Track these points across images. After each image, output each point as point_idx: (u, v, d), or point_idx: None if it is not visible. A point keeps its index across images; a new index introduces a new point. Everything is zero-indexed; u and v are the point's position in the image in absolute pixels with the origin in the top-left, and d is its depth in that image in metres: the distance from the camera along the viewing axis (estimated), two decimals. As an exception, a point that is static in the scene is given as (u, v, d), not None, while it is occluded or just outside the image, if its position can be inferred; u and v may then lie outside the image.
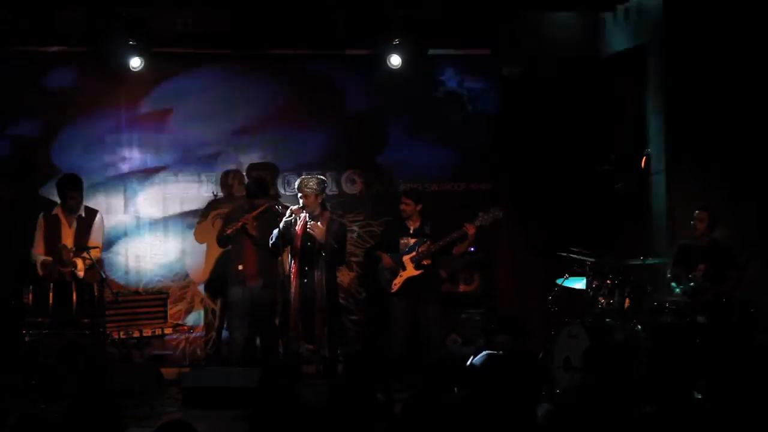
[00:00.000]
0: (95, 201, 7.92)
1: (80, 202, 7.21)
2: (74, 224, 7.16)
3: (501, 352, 5.41)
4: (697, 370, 6.67)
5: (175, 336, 8.08)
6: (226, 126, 8.39)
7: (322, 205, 7.15)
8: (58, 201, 7.31)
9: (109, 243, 8.01)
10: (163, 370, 7.83)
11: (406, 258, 7.29)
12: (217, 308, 8.35)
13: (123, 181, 8.30)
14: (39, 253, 7.09)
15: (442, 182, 8.54)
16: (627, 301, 7.25)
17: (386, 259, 7.33)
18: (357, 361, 7.84)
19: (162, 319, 7.55)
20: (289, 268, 7.10)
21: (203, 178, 8.41)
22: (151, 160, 8.35)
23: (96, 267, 6.94)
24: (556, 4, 8.19)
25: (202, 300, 8.38)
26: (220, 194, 8.38)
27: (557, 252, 7.73)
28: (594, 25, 8.49)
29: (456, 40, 8.29)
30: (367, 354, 8.00)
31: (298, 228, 7.05)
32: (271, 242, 7.13)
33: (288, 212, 7.00)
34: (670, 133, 7.85)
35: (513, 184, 8.49)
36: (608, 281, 7.36)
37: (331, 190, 7.99)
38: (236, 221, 7.39)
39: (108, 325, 7.08)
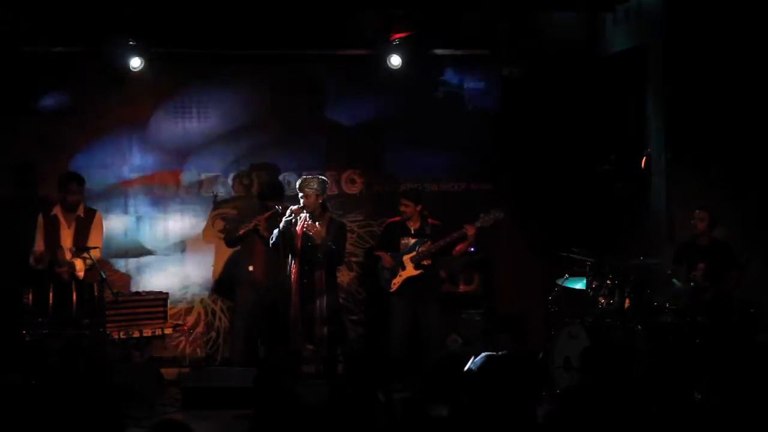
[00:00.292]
0: (96, 201, 7.92)
1: (80, 199, 7.19)
2: (73, 224, 7.15)
3: (501, 352, 5.39)
4: (697, 370, 6.68)
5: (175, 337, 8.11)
6: (226, 126, 8.39)
7: (323, 206, 7.15)
8: (58, 201, 7.28)
9: (108, 243, 8.01)
10: (163, 370, 7.84)
11: (406, 258, 7.29)
12: (217, 308, 8.36)
13: (123, 181, 8.30)
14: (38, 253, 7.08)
15: (442, 182, 8.55)
16: (627, 301, 7.25)
17: (386, 258, 7.33)
18: (357, 361, 7.84)
19: (162, 319, 7.55)
20: (289, 268, 7.10)
21: (203, 177, 8.42)
22: (151, 160, 8.34)
23: (96, 267, 6.94)
24: (556, 4, 8.19)
25: (202, 300, 8.38)
26: (221, 194, 8.38)
27: (557, 252, 7.74)
28: (594, 25, 8.49)
29: (456, 40, 8.29)
30: (367, 354, 8.00)
31: (298, 228, 7.04)
32: (271, 242, 7.13)
33: (288, 212, 7.00)
34: (670, 133, 7.85)
35: (513, 184, 8.49)
36: (608, 281, 7.36)
37: (331, 190, 7.99)
38: (248, 222, 7.42)
39: (108, 325, 7.08)
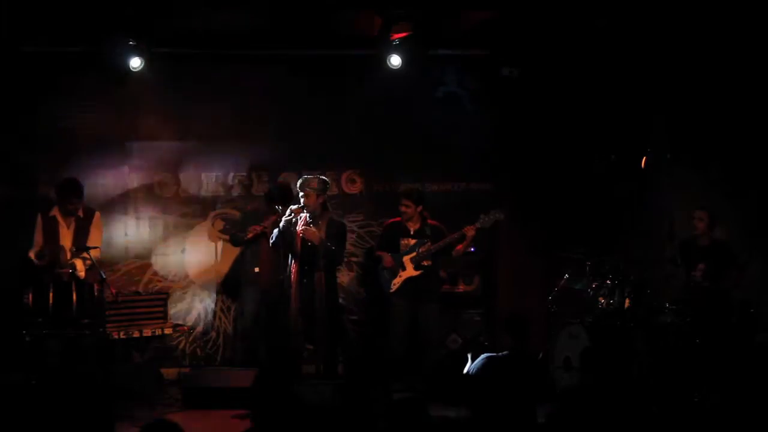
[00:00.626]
0: (95, 200, 7.92)
1: (79, 207, 7.20)
2: (72, 224, 7.14)
3: (502, 353, 5.39)
4: (697, 370, 6.68)
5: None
6: (226, 126, 8.39)
7: (323, 206, 7.15)
8: (57, 204, 7.27)
9: (108, 243, 8.01)
10: (163, 370, 7.84)
11: (406, 258, 7.30)
12: (217, 308, 8.36)
13: (123, 181, 8.31)
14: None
15: (442, 182, 8.54)
16: (627, 301, 7.26)
17: (387, 258, 7.33)
18: (357, 361, 7.85)
19: (162, 319, 7.55)
20: (289, 268, 7.10)
21: (203, 178, 8.42)
22: (151, 160, 8.35)
23: (96, 267, 6.94)
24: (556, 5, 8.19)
25: (201, 300, 8.38)
26: (221, 194, 8.38)
27: (557, 252, 7.74)
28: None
29: (456, 40, 8.29)
30: (367, 354, 8.01)
31: (298, 228, 7.04)
32: (271, 242, 7.13)
33: (288, 211, 7.00)
34: (670, 133, 7.86)
35: (513, 184, 8.49)
36: (608, 281, 7.37)
37: (331, 190, 7.98)
38: (256, 225, 7.43)
39: (108, 325, 7.07)
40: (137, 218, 8.35)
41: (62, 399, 5.46)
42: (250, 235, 7.52)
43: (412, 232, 7.37)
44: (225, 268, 8.31)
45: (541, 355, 7.35)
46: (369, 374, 7.45)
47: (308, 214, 7.02)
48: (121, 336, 7.28)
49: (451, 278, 8.18)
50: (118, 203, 8.30)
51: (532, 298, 8.15)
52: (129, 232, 8.33)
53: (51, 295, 6.66)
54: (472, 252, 7.95)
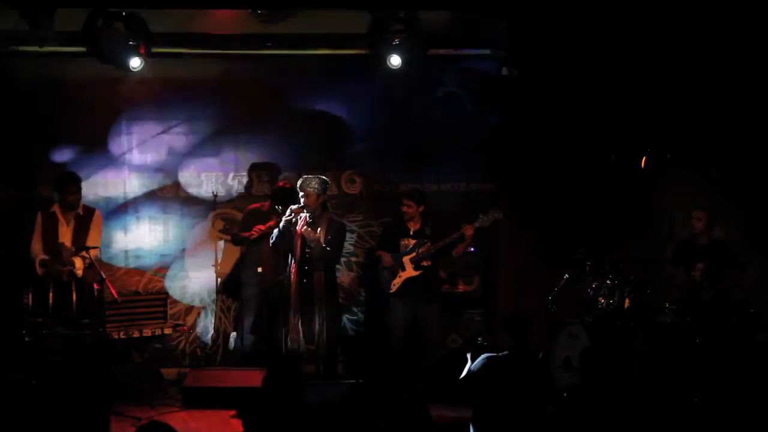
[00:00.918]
0: (95, 201, 7.92)
1: (79, 198, 7.19)
2: (72, 222, 7.14)
3: (502, 353, 5.39)
4: (697, 370, 6.69)
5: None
6: (226, 126, 8.40)
7: (323, 206, 7.15)
8: (57, 201, 7.27)
9: (108, 241, 8.01)
10: (163, 370, 7.84)
11: (405, 258, 7.30)
12: (217, 308, 8.36)
13: (123, 181, 8.31)
14: (37, 251, 7.07)
15: (442, 182, 8.54)
16: (627, 301, 7.26)
17: (386, 258, 7.33)
18: (357, 361, 7.85)
19: (162, 319, 7.55)
20: (289, 268, 7.10)
21: (203, 178, 8.42)
22: (151, 160, 8.35)
23: (95, 267, 6.93)
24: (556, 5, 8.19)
25: (201, 300, 8.38)
26: (221, 194, 8.38)
27: (557, 252, 7.73)
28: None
29: (455, 40, 8.29)
30: (367, 354, 8.00)
31: (298, 228, 7.04)
32: (271, 242, 7.14)
33: (288, 211, 7.00)
34: (670, 133, 7.85)
35: (513, 184, 8.48)
36: (608, 281, 7.37)
37: (331, 190, 7.99)
38: (260, 224, 7.43)
39: (108, 325, 7.07)
40: (137, 218, 8.35)
41: (62, 399, 5.47)
42: (255, 235, 7.51)
43: (411, 233, 7.37)
44: (225, 269, 8.31)
45: (541, 355, 7.35)
46: (368, 375, 7.45)
47: (308, 214, 7.03)
48: (121, 336, 7.28)
49: (451, 278, 8.18)
50: (118, 203, 8.30)
51: (532, 298, 8.14)
52: (129, 232, 8.33)
53: (51, 295, 6.66)
54: (472, 252, 7.95)
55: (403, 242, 7.36)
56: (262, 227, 7.49)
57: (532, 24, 7.91)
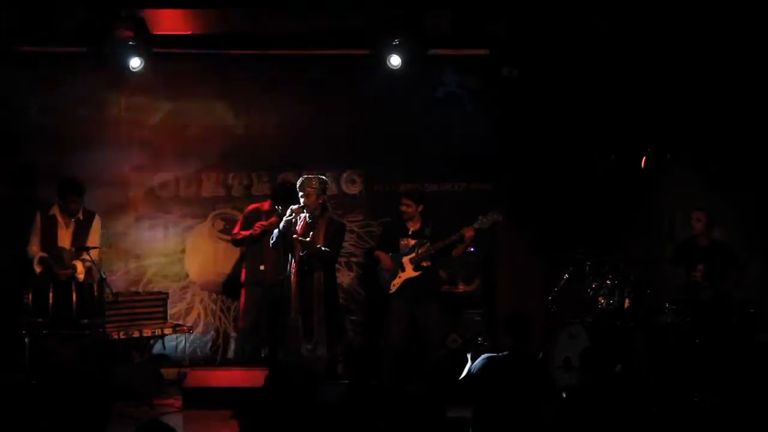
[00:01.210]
0: (95, 200, 7.92)
1: (81, 206, 7.20)
2: (72, 225, 7.13)
3: (502, 354, 5.39)
4: (697, 370, 6.69)
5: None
6: (226, 126, 8.40)
7: (323, 206, 7.15)
8: (57, 204, 7.26)
9: (108, 243, 8.00)
10: (163, 370, 7.84)
11: (405, 259, 7.29)
12: (217, 308, 8.37)
13: (123, 181, 8.31)
14: (35, 252, 7.07)
15: (442, 182, 8.54)
16: (627, 301, 7.26)
17: (386, 259, 7.33)
18: (357, 361, 7.85)
19: (162, 319, 7.55)
20: (289, 267, 7.10)
21: (203, 178, 8.43)
22: (150, 160, 8.35)
23: (96, 267, 6.93)
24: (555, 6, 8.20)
25: (201, 300, 8.38)
26: (221, 194, 8.38)
27: (557, 252, 7.73)
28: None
29: (455, 40, 8.29)
30: (367, 354, 8.01)
31: (298, 228, 7.04)
32: (271, 242, 7.14)
33: (288, 212, 7.00)
34: (670, 133, 7.86)
35: (513, 184, 8.48)
36: (608, 281, 7.37)
37: (331, 190, 7.99)
38: (264, 222, 7.43)
39: (108, 325, 7.07)
40: (137, 218, 8.35)
41: (62, 399, 5.46)
42: (257, 230, 7.51)
43: (410, 233, 7.36)
44: (225, 269, 8.31)
45: (541, 355, 7.35)
46: (369, 375, 7.45)
47: (308, 214, 7.03)
48: (121, 336, 7.28)
49: (451, 278, 8.18)
50: (118, 203, 8.29)
51: (532, 298, 8.14)
52: (129, 232, 8.32)
53: (51, 295, 6.66)
54: (472, 252, 7.95)
55: (402, 242, 7.35)
56: (264, 223, 7.49)
57: (532, 24, 7.91)
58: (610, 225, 8.06)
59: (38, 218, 7.15)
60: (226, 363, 8.18)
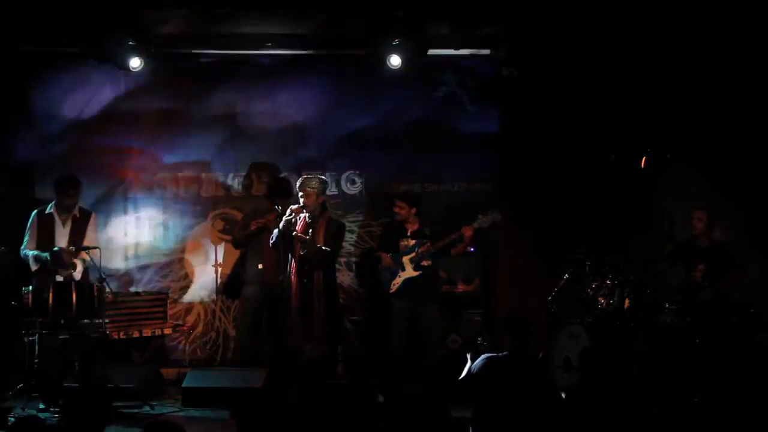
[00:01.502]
0: (95, 200, 7.92)
1: (77, 201, 7.18)
2: (68, 224, 7.12)
3: (502, 354, 5.39)
4: (697, 370, 6.69)
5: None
6: (226, 126, 8.40)
7: (323, 205, 7.15)
8: (53, 200, 7.26)
9: (108, 243, 8.00)
10: (163, 370, 7.84)
11: (405, 259, 7.30)
12: (217, 308, 8.37)
13: (123, 180, 8.31)
14: (30, 249, 7.06)
15: (442, 182, 8.54)
16: (627, 301, 7.26)
17: (386, 259, 7.33)
18: (357, 361, 7.85)
19: (162, 320, 7.54)
20: (289, 267, 7.10)
21: (203, 178, 8.43)
22: (150, 160, 8.35)
23: (96, 267, 6.92)
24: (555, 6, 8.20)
25: (201, 300, 8.38)
26: (221, 194, 8.39)
27: (557, 252, 7.73)
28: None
29: (456, 41, 8.29)
30: (367, 354, 8.00)
31: (298, 228, 7.04)
32: (271, 242, 7.13)
33: (288, 211, 7.00)
34: (670, 133, 7.86)
35: (513, 184, 8.48)
36: (608, 281, 7.37)
37: (331, 190, 7.99)
38: (260, 220, 7.43)
39: (108, 325, 7.06)
40: (137, 218, 8.34)
41: (62, 399, 5.46)
42: (254, 228, 7.51)
43: (409, 234, 7.36)
44: (225, 269, 8.31)
45: (541, 355, 7.35)
46: (369, 375, 7.45)
47: (308, 214, 7.03)
48: (121, 336, 7.28)
49: (450, 278, 8.18)
50: (118, 203, 8.29)
51: (532, 298, 8.14)
52: (129, 232, 8.32)
53: (51, 295, 6.65)
54: (472, 252, 7.95)
55: (402, 242, 7.35)
56: (260, 220, 7.47)
57: (532, 24, 7.91)
58: (610, 225, 8.06)
59: (34, 218, 7.13)
60: (226, 363, 8.18)
